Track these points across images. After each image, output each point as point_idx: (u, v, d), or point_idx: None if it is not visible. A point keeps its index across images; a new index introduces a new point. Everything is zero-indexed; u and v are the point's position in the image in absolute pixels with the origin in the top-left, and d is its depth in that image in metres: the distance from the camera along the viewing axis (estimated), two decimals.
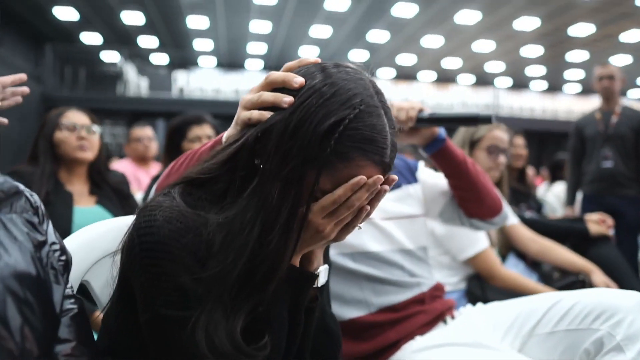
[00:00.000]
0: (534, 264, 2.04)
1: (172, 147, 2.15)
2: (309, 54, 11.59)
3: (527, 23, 10.82)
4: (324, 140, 0.59)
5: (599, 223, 2.07)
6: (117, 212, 1.68)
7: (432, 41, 12.40)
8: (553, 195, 4.16)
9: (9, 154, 8.15)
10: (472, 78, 16.23)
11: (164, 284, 0.59)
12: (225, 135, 0.76)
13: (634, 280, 1.91)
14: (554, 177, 4.66)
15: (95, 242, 0.82)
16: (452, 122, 1.18)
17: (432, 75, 15.98)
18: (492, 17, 10.62)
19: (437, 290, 1.23)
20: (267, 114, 0.64)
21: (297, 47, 13.30)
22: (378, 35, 12.04)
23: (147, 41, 13.25)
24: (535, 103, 16.18)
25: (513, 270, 1.75)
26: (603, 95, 3.33)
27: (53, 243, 0.62)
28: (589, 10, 10.02)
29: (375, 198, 0.64)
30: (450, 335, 1.09)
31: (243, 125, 0.68)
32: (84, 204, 1.67)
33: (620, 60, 12.94)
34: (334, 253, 1.15)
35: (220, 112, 5.48)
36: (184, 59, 14.50)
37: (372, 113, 0.62)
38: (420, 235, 1.27)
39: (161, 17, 11.35)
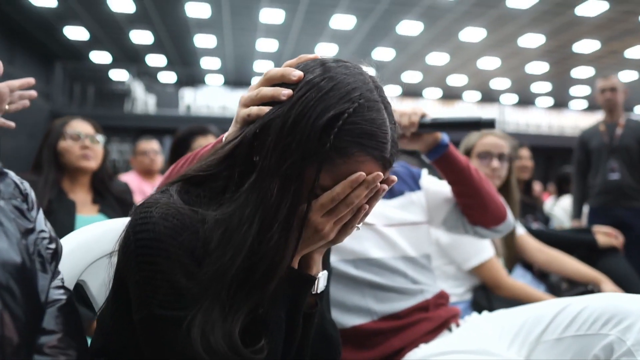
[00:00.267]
0: (541, 275, 2.01)
1: (176, 158, 2.14)
2: None
3: (532, 40, 10.89)
4: (323, 135, 0.58)
5: (608, 235, 2.03)
6: None
7: (438, 58, 12.49)
8: (560, 209, 4.12)
9: (19, 170, 8.18)
10: (477, 95, 16.27)
11: (159, 282, 0.57)
12: (225, 135, 0.76)
13: None
14: (560, 191, 4.62)
15: (93, 242, 0.81)
16: (455, 127, 1.16)
17: (438, 92, 16.05)
18: (497, 34, 10.69)
19: (441, 298, 1.20)
20: (266, 109, 0.64)
21: None
22: (383, 53, 12.14)
23: (155, 59, 13.47)
24: (542, 119, 16.17)
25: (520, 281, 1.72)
26: (606, 108, 3.32)
27: (42, 231, 0.61)
28: (593, 27, 10.06)
29: (374, 197, 0.63)
30: (455, 342, 1.06)
31: (242, 122, 0.67)
32: (87, 213, 1.68)
33: (626, 76, 12.95)
34: (335, 259, 1.13)
35: (227, 129, 5.47)
36: (192, 77, 14.68)
37: (371, 107, 0.61)
38: (423, 242, 1.25)
39: (169, 36, 11.53)
